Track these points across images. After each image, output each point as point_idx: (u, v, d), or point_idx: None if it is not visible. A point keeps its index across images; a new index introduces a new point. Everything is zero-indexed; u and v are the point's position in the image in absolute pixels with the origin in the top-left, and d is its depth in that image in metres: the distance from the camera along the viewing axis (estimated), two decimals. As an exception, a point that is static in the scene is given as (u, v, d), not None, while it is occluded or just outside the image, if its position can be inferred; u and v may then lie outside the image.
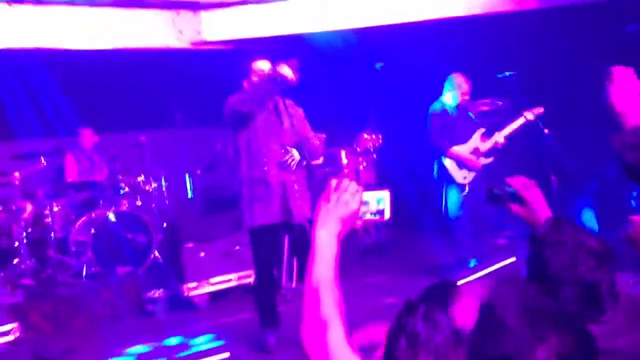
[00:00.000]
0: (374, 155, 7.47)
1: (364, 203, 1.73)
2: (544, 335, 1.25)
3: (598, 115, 1.92)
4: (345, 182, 1.67)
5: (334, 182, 1.68)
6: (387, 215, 1.83)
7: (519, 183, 1.88)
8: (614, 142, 1.83)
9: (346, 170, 7.16)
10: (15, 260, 5.96)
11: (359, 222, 1.70)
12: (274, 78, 4.19)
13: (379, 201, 1.83)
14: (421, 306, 1.62)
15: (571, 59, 6.59)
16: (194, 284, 5.58)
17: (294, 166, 4.41)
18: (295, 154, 4.42)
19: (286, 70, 4.09)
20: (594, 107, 1.90)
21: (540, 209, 1.83)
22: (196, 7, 6.59)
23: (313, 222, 1.63)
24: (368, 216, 1.81)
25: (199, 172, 7.83)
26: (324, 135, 7.15)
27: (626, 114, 1.84)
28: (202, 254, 5.72)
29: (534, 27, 6.57)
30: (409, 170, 7.26)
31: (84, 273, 5.98)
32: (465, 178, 5.76)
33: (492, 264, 5.55)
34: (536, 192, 1.87)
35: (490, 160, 5.86)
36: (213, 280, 5.65)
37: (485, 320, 1.38)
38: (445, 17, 6.48)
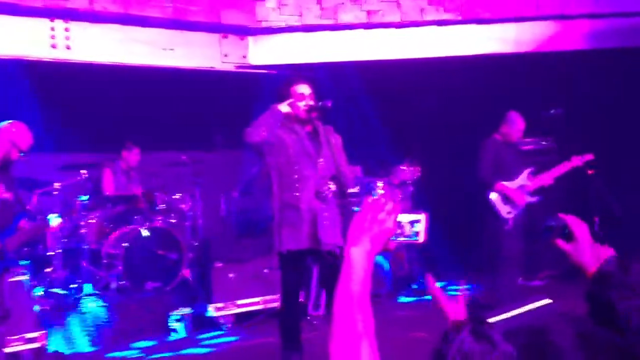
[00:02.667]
0: (411, 187, 7.37)
1: (399, 225, 1.68)
2: None
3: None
4: (382, 200, 1.62)
5: (370, 199, 1.64)
6: (421, 238, 1.77)
7: (571, 219, 1.83)
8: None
9: (383, 200, 7.07)
10: (49, 269, 6.02)
11: (393, 243, 1.64)
12: (311, 106, 4.21)
13: (415, 224, 1.77)
14: (467, 324, 1.54)
15: (619, 101, 6.44)
16: (220, 305, 5.53)
17: (329, 197, 4.35)
18: (332, 186, 4.36)
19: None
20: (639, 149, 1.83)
21: (586, 250, 1.78)
22: (243, 32, 6.69)
23: (346, 240, 1.58)
24: (402, 238, 1.76)
25: (235, 194, 7.83)
26: (359, 168, 7.11)
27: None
28: (231, 275, 5.67)
29: (582, 67, 6.46)
30: (448, 204, 7.13)
31: (113, 286, 5.99)
32: (509, 213, 5.69)
33: (526, 304, 5.35)
34: (586, 231, 1.80)
35: (535, 199, 5.79)
36: (240, 302, 5.59)
37: (537, 345, 1.31)
38: (495, 53, 6.45)
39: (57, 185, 6.23)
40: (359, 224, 1.57)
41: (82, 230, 6.26)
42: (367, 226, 1.56)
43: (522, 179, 5.82)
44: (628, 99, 6.40)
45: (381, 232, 1.56)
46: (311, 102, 4.28)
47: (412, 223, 1.77)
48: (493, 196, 5.72)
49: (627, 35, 6.36)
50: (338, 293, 1.51)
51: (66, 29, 5.88)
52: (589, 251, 1.75)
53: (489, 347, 1.26)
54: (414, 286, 6.99)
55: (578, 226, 1.80)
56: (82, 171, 6.44)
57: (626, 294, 1.41)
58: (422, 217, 1.79)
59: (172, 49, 6.38)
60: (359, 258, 1.53)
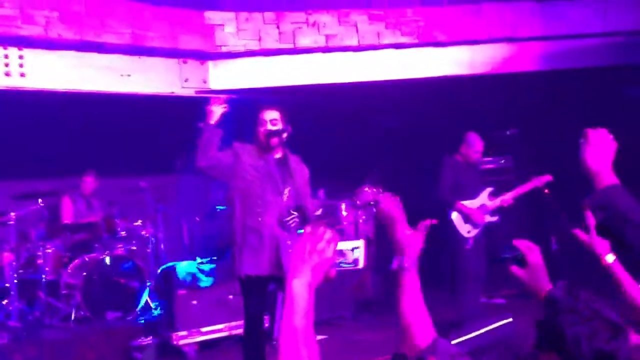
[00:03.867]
0: (374, 209, 7.42)
1: (339, 252, 1.69)
2: None
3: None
4: (320, 229, 1.62)
5: (308, 229, 1.64)
6: (361, 264, 1.80)
7: (524, 246, 1.88)
8: (585, 204, 1.85)
9: (345, 223, 7.11)
10: (5, 301, 5.86)
11: (334, 272, 1.64)
12: (270, 131, 4.23)
13: (355, 250, 1.79)
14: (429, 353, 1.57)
15: (572, 120, 6.62)
16: (184, 333, 5.44)
17: (293, 227, 4.34)
18: (295, 217, 4.34)
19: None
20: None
21: (540, 274, 1.83)
22: (203, 57, 6.68)
23: (288, 272, 1.58)
24: (343, 265, 1.76)
25: (197, 219, 7.77)
26: (322, 190, 7.14)
27: (599, 174, 1.86)
28: (195, 302, 5.60)
29: (535, 88, 6.64)
30: (411, 224, 7.18)
31: (73, 317, 5.86)
32: (469, 232, 5.78)
33: (489, 324, 5.44)
34: (538, 257, 1.85)
35: (495, 218, 5.89)
36: (204, 329, 5.52)
37: None
38: (451, 75, 6.59)
39: (12, 214, 6.09)
40: (299, 254, 1.57)
41: (39, 261, 6.12)
42: (307, 257, 1.56)
43: (482, 198, 5.92)
44: (579, 118, 6.58)
45: (321, 262, 1.56)
46: (271, 128, 4.30)
47: (352, 250, 1.80)
48: (453, 216, 5.80)
49: (576, 57, 6.56)
50: (283, 327, 1.50)
51: (20, 57, 5.78)
52: (541, 276, 1.80)
53: None
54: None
55: (530, 252, 1.84)
56: (38, 200, 6.31)
57: (575, 320, 1.45)
58: (360, 243, 1.82)
59: (129, 75, 6.32)
60: (300, 290, 1.52)
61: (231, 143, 4.42)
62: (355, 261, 1.77)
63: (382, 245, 7.73)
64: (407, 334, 1.96)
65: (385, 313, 6.80)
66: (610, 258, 1.91)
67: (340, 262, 1.75)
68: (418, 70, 6.62)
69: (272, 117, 4.34)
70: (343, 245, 1.75)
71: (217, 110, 4.22)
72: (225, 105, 4.27)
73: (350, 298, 6.73)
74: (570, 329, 1.44)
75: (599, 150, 1.90)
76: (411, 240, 2.02)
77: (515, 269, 1.88)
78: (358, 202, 7.36)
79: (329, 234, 1.59)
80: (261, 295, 4.45)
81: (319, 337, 5.76)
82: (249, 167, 4.29)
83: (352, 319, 6.49)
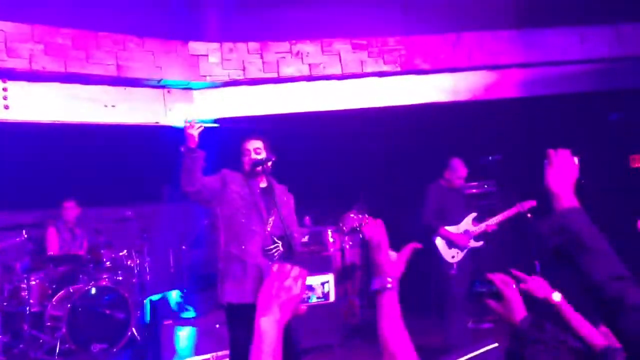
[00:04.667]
0: (361, 235, 7.44)
1: (309, 287, 1.71)
2: None
3: (580, 198, 1.92)
4: (287, 267, 1.65)
5: (275, 267, 1.66)
6: (332, 298, 1.82)
7: (499, 279, 1.89)
8: (542, 227, 1.87)
9: (332, 249, 7.13)
10: (-12, 335, 5.80)
11: (304, 308, 1.66)
12: (255, 160, 4.28)
13: (325, 285, 1.83)
14: None
15: (553, 145, 6.71)
16: (170, 364, 5.41)
17: (277, 256, 4.34)
18: (280, 246, 4.36)
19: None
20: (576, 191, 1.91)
21: (516, 307, 1.85)
22: (187, 87, 6.72)
23: (256, 309, 1.59)
24: (314, 300, 1.79)
25: (184, 247, 7.75)
26: (307, 217, 7.15)
27: (559, 196, 1.84)
28: (181, 332, 5.56)
29: (517, 114, 6.73)
30: (397, 250, 7.21)
31: (57, 350, 5.79)
32: (453, 257, 5.81)
33: (475, 350, 5.44)
34: (514, 290, 1.87)
35: (479, 244, 5.92)
36: (190, 359, 5.48)
37: None
38: (434, 102, 6.68)
39: (-4, 246, 6.06)
40: (267, 292, 1.58)
41: (23, 293, 6.07)
42: (275, 294, 1.58)
43: (466, 223, 5.96)
44: (560, 143, 6.68)
45: (289, 299, 1.59)
46: (256, 157, 4.34)
47: (321, 284, 1.83)
48: (438, 241, 5.84)
49: (556, 83, 6.68)
50: None
51: (4, 89, 5.79)
52: (517, 307, 1.82)
53: None
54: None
55: (505, 285, 1.86)
56: (22, 231, 6.28)
57: (540, 349, 1.47)
58: (330, 277, 1.86)
59: (114, 106, 6.34)
60: (269, 328, 1.53)
61: (220, 170, 4.46)
62: (326, 295, 1.80)
63: (369, 271, 7.75)
64: (391, 356, 1.97)
65: (375, 338, 6.79)
66: (556, 296, 1.92)
67: (310, 297, 1.78)
68: (401, 98, 6.69)
69: (255, 147, 4.40)
70: (312, 281, 1.78)
71: (195, 132, 4.24)
72: (201, 125, 4.30)
73: (339, 324, 6.71)
74: (534, 357, 1.46)
75: (561, 171, 1.88)
76: (393, 262, 2.02)
77: (491, 303, 1.90)
78: (344, 228, 7.39)
79: (296, 271, 1.62)
80: (245, 323, 4.41)
81: (308, 366, 5.72)
82: (236, 195, 4.32)
83: (342, 346, 6.46)
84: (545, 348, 1.48)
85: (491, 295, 1.91)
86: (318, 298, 1.70)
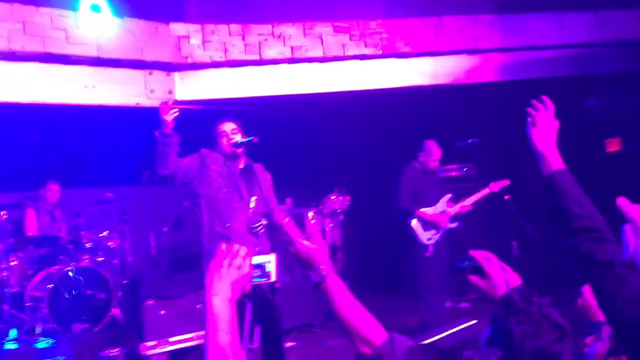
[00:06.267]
0: (341, 217, 7.51)
1: (253, 267, 1.75)
2: None
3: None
4: (235, 246, 1.68)
5: (223, 246, 1.69)
6: (273, 278, 1.87)
7: (481, 256, 1.92)
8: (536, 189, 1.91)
9: (236, 246, 7.17)
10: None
11: (249, 286, 1.70)
12: (237, 142, 4.31)
13: (267, 265, 1.86)
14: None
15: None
16: (152, 343, 5.43)
17: (261, 233, 4.41)
18: (264, 222, 4.42)
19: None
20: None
21: (498, 282, 1.88)
22: (169, 69, 6.70)
23: (206, 289, 1.61)
24: (257, 280, 1.82)
25: (165, 229, 7.76)
26: (289, 199, 7.20)
27: (547, 157, 1.90)
28: (163, 312, 5.59)
29: (496, 98, 6.82)
30: (376, 232, 7.29)
31: (38, 330, 5.80)
32: (429, 239, 5.85)
33: (453, 327, 5.55)
34: (496, 265, 1.90)
35: (455, 225, 5.97)
36: (173, 339, 5.51)
37: None
38: (414, 85, 6.74)
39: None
40: (217, 272, 1.62)
41: (4, 274, 6.05)
42: (225, 273, 1.62)
43: (442, 205, 6.01)
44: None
45: (240, 278, 1.63)
46: (235, 139, 4.37)
47: (264, 265, 1.87)
48: (413, 223, 5.87)
49: (534, 67, 6.78)
50: (209, 347, 1.52)
51: (-16, 69, 5.74)
52: (500, 282, 1.88)
53: None
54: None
55: (486, 261, 1.92)
56: (1, 212, 6.25)
57: (523, 319, 1.54)
58: (272, 257, 1.89)
59: (94, 86, 6.30)
60: (222, 307, 1.56)
61: (199, 150, 4.48)
62: (268, 275, 1.83)
63: (349, 252, 7.84)
64: (360, 335, 2.02)
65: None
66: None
67: (254, 277, 1.80)
68: (382, 81, 6.74)
69: (231, 128, 4.43)
70: (255, 260, 1.81)
71: (169, 118, 4.24)
72: (177, 109, 4.29)
73: (320, 305, 6.79)
74: (518, 327, 1.53)
75: (545, 131, 1.94)
76: (316, 250, 2.06)
77: (473, 279, 1.95)
78: (325, 210, 7.45)
79: (244, 250, 1.66)
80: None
81: (289, 344, 5.82)
82: (215, 174, 4.35)
83: (323, 326, 6.55)
84: (528, 320, 1.54)
85: (473, 271, 1.95)
86: (260, 277, 1.76)
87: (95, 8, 5.82)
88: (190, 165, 4.36)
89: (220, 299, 1.57)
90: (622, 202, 1.18)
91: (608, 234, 1.70)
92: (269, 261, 1.83)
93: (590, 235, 1.71)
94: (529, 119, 1.98)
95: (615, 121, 7.27)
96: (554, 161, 1.89)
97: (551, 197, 1.84)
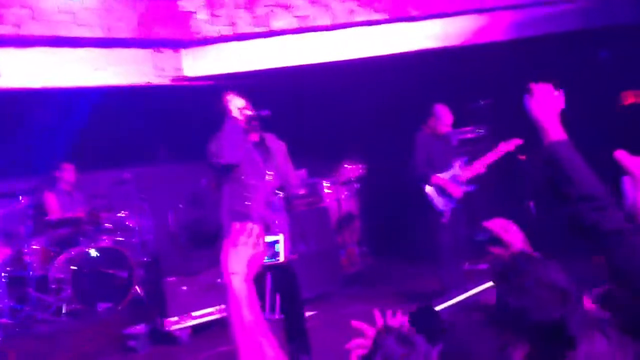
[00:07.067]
0: (356, 185, 7.52)
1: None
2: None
3: (572, 139, 1.95)
4: (249, 225, 1.69)
5: (237, 225, 1.69)
6: (282, 257, 1.85)
7: (497, 226, 1.90)
8: (535, 158, 1.90)
9: (328, 201, 7.20)
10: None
11: (261, 265, 1.71)
12: (251, 116, 4.28)
13: (275, 245, 1.85)
14: (396, 329, 1.64)
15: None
16: (175, 318, 5.52)
17: (279, 205, 4.43)
18: (281, 194, 4.44)
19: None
20: (568, 131, 1.94)
21: (518, 247, 1.85)
22: (177, 45, 6.69)
23: (222, 269, 1.61)
24: (266, 260, 1.80)
25: (181, 206, 7.82)
26: (304, 170, 7.21)
27: (546, 127, 1.88)
28: (185, 288, 5.67)
29: (507, 58, 6.72)
30: (392, 199, 7.28)
31: (64, 310, 5.92)
32: (445, 205, 5.82)
33: (472, 288, 5.55)
34: (515, 231, 1.88)
35: (470, 188, 5.93)
36: (195, 313, 5.60)
37: (450, 343, 1.42)
38: (424, 49, 6.66)
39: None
40: (233, 251, 1.62)
41: (26, 257, 6.16)
42: (241, 252, 1.62)
43: (455, 169, 5.94)
44: (553, 84, 6.69)
45: (255, 256, 1.64)
46: (248, 112, 4.35)
47: (272, 244, 1.85)
48: (429, 189, 5.82)
49: (544, 23, 6.65)
50: (234, 325, 1.53)
51: (-6, 56, 5.77)
52: (522, 247, 1.85)
53: (409, 349, 1.37)
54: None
55: (505, 232, 1.89)
56: (20, 197, 6.32)
57: (520, 295, 1.46)
58: (280, 237, 1.88)
59: (104, 68, 6.32)
60: (241, 285, 1.57)
61: (218, 136, 4.44)
62: (276, 254, 1.82)
63: (366, 220, 7.85)
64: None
65: (373, 285, 6.94)
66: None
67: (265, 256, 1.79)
68: (392, 46, 6.67)
69: (243, 103, 4.40)
70: (266, 239, 1.79)
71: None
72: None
73: (339, 273, 6.84)
74: (516, 302, 1.44)
75: (543, 102, 1.92)
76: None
77: (495, 250, 1.92)
78: (340, 179, 7.45)
79: (257, 229, 1.66)
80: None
81: (309, 314, 5.86)
82: (240, 149, 4.35)
83: (342, 294, 6.60)
84: (526, 294, 1.47)
85: (493, 242, 1.93)
86: (270, 257, 1.75)
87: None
88: (235, 148, 4.33)
89: (239, 278, 1.59)
90: (621, 154, 1.15)
91: (611, 201, 1.67)
92: (277, 241, 1.83)
93: (592, 204, 1.68)
94: (527, 93, 1.97)
95: (631, 74, 7.14)
96: (554, 131, 1.87)
97: (551, 167, 1.82)
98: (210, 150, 4.29)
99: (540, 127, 1.89)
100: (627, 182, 1.12)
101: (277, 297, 5.69)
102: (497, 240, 1.90)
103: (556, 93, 1.93)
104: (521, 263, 1.51)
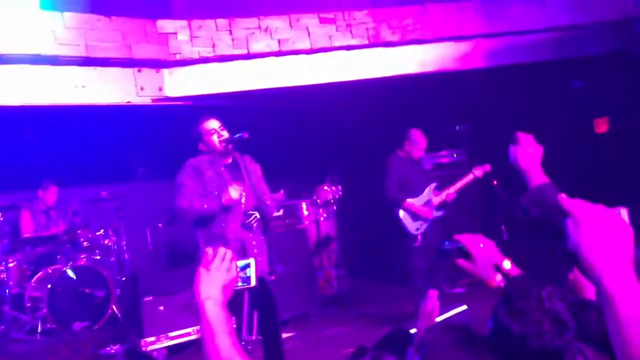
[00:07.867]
0: (335, 207, 7.58)
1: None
2: None
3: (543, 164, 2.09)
4: (222, 250, 1.72)
5: (210, 251, 1.72)
6: (253, 282, 1.85)
7: (466, 239, 1.95)
8: (522, 200, 2.02)
9: (306, 222, 7.25)
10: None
11: (234, 290, 1.74)
12: (226, 139, 4.33)
13: (246, 269, 1.86)
14: (370, 351, 1.68)
15: (520, 112, 6.89)
16: (152, 338, 5.51)
17: (255, 226, 4.46)
18: (257, 215, 4.46)
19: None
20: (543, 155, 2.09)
21: (485, 265, 1.90)
22: (158, 65, 6.73)
23: (196, 294, 1.64)
24: (239, 284, 1.83)
25: (160, 225, 7.82)
26: (282, 193, 7.26)
27: (530, 173, 2.04)
28: (162, 308, 5.67)
29: (483, 84, 6.88)
30: (370, 221, 7.36)
31: (39, 329, 5.88)
32: (417, 230, 5.91)
33: (446, 312, 5.62)
34: (482, 249, 1.92)
35: (441, 213, 6.02)
36: (172, 334, 5.59)
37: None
38: (402, 74, 6.79)
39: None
40: (207, 277, 1.66)
41: (2, 275, 6.11)
42: (215, 277, 1.66)
43: (427, 194, 6.04)
44: (526, 111, 6.86)
45: (229, 281, 1.68)
46: (224, 135, 4.38)
47: (243, 268, 1.87)
48: (401, 214, 5.91)
49: (520, 52, 6.84)
50: (209, 350, 1.54)
51: (-27, 73, 5.76)
52: (487, 266, 1.91)
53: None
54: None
55: (473, 245, 1.96)
56: (-3, 214, 6.29)
57: (523, 320, 1.48)
58: (251, 261, 1.90)
59: (84, 86, 6.34)
60: (215, 310, 1.60)
61: (185, 166, 4.48)
62: (247, 279, 1.83)
63: (344, 242, 7.92)
64: None
65: (351, 307, 6.99)
66: (507, 264, 2.01)
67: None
68: (370, 71, 6.79)
69: (218, 125, 4.44)
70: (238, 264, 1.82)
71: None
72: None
73: (316, 294, 6.87)
74: (519, 328, 1.48)
75: (527, 150, 2.06)
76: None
77: (461, 262, 1.95)
78: (318, 200, 7.51)
79: (229, 253, 1.70)
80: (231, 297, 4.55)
81: (287, 335, 5.90)
82: (208, 180, 4.39)
83: (320, 315, 6.64)
84: (529, 320, 1.47)
85: (459, 254, 1.95)
86: (241, 282, 1.74)
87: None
88: (195, 188, 4.39)
89: (213, 303, 1.62)
90: (562, 198, 1.24)
91: None
92: (249, 265, 1.84)
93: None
94: (513, 141, 2.11)
95: (602, 102, 7.35)
96: (537, 177, 2.02)
97: (537, 207, 1.95)
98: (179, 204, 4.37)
99: (525, 173, 2.03)
100: (570, 225, 1.20)
101: (255, 318, 5.74)
102: (463, 253, 1.93)
103: (536, 144, 2.08)
104: (527, 286, 1.55)
